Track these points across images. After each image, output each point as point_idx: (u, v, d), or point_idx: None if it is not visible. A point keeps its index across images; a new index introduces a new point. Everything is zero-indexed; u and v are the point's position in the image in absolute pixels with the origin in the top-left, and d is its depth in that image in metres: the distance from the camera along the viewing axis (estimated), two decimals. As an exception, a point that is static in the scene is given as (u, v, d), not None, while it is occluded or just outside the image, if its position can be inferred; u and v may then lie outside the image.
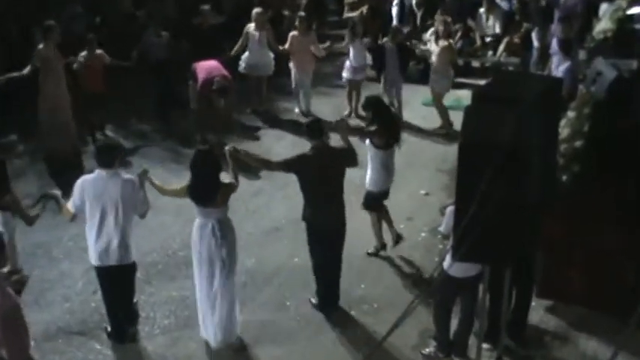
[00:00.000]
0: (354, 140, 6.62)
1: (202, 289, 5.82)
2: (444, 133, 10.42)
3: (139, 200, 5.64)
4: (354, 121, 10.17)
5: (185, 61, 10.12)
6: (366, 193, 7.10)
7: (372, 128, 6.83)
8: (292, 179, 6.12)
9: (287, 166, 6.04)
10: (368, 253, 7.27)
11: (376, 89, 10.53)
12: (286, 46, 10.88)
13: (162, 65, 10.36)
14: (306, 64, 11.02)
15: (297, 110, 11.23)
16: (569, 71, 8.39)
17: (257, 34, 10.76)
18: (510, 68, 12.02)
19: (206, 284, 5.76)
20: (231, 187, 5.69)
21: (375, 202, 7.13)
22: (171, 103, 10.62)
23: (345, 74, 11.08)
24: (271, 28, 11.08)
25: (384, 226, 7.33)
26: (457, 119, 9.15)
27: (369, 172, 6.96)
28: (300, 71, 10.99)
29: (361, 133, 7.08)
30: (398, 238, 7.31)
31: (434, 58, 10.36)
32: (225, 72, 9.50)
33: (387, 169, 6.94)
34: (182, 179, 6.00)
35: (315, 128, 6.08)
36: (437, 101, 10.58)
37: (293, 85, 11.18)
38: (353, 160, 6.20)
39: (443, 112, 10.58)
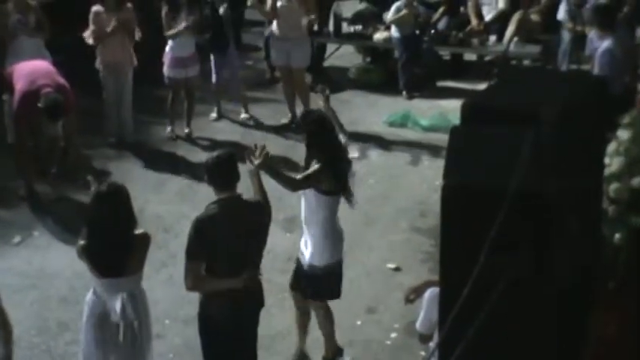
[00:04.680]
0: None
1: None
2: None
3: None
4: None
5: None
6: (311, 272, 7.07)
7: (315, 167, 6.87)
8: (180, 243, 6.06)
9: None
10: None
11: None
12: (87, 32, 10.92)
13: None
14: (122, 61, 11.14)
15: (112, 140, 11.51)
16: (606, 54, 8.64)
17: (18, 17, 10.66)
18: (525, 62, 12.27)
19: None
20: (148, 240, 6.14)
21: (330, 286, 7.13)
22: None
23: (166, 71, 11.53)
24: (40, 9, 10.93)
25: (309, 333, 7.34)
26: (440, 143, 9.33)
27: (309, 238, 7.05)
28: (114, 71, 11.11)
29: (291, 180, 6.97)
30: (336, 355, 7.35)
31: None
32: (58, 78, 9.54)
33: (337, 227, 7.11)
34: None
35: (225, 171, 6.08)
36: (299, 84, 11.74)
37: (105, 96, 11.27)
38: (269, 218, 6.40)
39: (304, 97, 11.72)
